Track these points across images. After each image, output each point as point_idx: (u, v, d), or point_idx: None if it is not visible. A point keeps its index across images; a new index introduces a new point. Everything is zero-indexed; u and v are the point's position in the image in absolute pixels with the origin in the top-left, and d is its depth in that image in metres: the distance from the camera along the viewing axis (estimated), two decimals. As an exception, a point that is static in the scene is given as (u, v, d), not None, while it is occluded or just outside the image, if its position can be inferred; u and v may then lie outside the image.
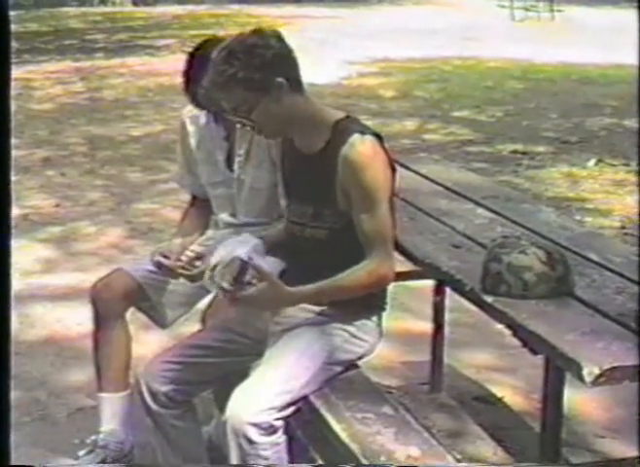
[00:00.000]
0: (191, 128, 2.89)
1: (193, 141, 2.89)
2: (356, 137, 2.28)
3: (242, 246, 2.33)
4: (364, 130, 2.32)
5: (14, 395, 3.43)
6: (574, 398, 2.70)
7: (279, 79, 2.26)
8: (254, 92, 2.25)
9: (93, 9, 19.63)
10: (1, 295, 1.51)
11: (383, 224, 2.30)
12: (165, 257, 2.75)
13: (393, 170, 2.37)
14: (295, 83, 2.30)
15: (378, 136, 2.34)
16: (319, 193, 2.34)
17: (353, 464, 2.14)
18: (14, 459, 2.85)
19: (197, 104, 2.72)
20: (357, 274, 2.30)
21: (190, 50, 2.77)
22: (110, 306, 2.83)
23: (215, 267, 2.31)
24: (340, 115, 2.37)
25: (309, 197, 2.37)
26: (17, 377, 3.46)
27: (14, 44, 14.15)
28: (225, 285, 2.27)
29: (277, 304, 2.34)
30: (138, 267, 2.89)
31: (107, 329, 2.84)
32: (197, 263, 2.60)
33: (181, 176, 3.03)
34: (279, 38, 2.30)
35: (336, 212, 2.32)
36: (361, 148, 2.27)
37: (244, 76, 2.22)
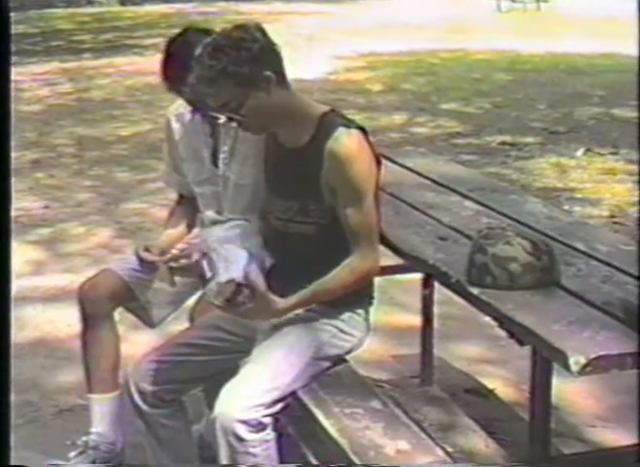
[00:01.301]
0: (176, 126, 2.88)
1: (178, 139, 2.88)
2: (341, 131, 2.27)
3: (238, 261, 2.29)
4: (349, 124, 2.31)
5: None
6: (564, 388, 2.70)
7: (267, 72, 2.25)
8: (243, 87, 2.24)
9: (81, 9, 19.57)
10: (1, 297, 1.51)
11: (368, 218, 2.30)
12: (149, 251, 2.75)
13: (378, 164, 2.37)
14: (281, 77, 2.30)
15: (363, 130, 2.34)
16: (304, 187, 2.33)
17: (345, 464, 2.14)
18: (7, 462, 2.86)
19: (179, 94, 2.70)
20: (342, 275, 2.30)
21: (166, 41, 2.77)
22: (97, 307, 2.82)
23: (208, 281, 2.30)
24: (325, 109, 2.36)
25: (294, 191, 2.36)
26: (7, 380, 3.46)
27: (-1, 46, 14.12)
28: (217, 303, 2.25)
29: (269, 316, 2.35)
30: (125, 266, 2.88)
31: (95, 329, 2.83)
32: (183, 260, 2.60)
33: (168, 175, 3.02)
34: (263, 32, 2.29)
35: (321, 207, 2.32)
36: (346, 142, 2.26)
37: (233, 70, 2.21)
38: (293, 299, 2.31)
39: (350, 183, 2.26)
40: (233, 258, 2.31)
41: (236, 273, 2.24)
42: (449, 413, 2.57)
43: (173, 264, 2.63)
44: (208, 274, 2.35)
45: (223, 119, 2.34)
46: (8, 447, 1.56)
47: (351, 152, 2.26)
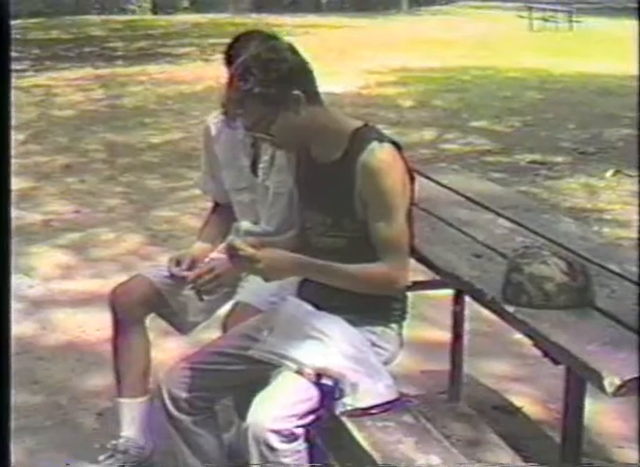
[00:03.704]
0: (215, 134, 2.91)
1: (218, 146, 2.91)
2: (375, 145, 2.29)
3: None
4: (382, 138, 2.33)
5: (36, 400, 3.48)
6: (592, 408, 2.69)
7: (296, 92, 2.27)
8: (272, 107, 2.26)
9: (114, 17, 19.77)
10: (1, 296, 1.52)
11: (399, 232, 2.31)
12: (179, 265, 2.79)
13: (412, 179, 2.38)
14: (312, 94, 2.32)
15: (396, 144, 2.36)
16: (337, 202, 2.35)
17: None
18: (38, 464, 2.90)
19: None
20: (368, 270, 2.32)
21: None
22: (129, 312, 2.85)
23: None
24: (358, 124, 2.38)
25: (327, 206, 2.39)
26: (39, 382, 3.50)
27: (35, 51, 14.31)
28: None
29: (284, 269, 2.33)
30: (158, 273, 2.91)
31: (126, 334, 2.86)
32: (206, 277, 2.63)
33: (204, 182, 3.05)
34: (294, 51, 2.32)
35: (354, 221, 2.34)
36: (380, 155, 2.28)
37: (261, 91, 2.24)
38: (309, 259, 2.32)
39: (382, 196, 2.28)
40: None
41: None
42: (477, 429, 2.57)
43: (200, 280, 2.67)
44: None
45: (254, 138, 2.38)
46: (8, 447, 1.57)
47: (384, 165, 2.28)
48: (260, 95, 2.24)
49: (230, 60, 2.68)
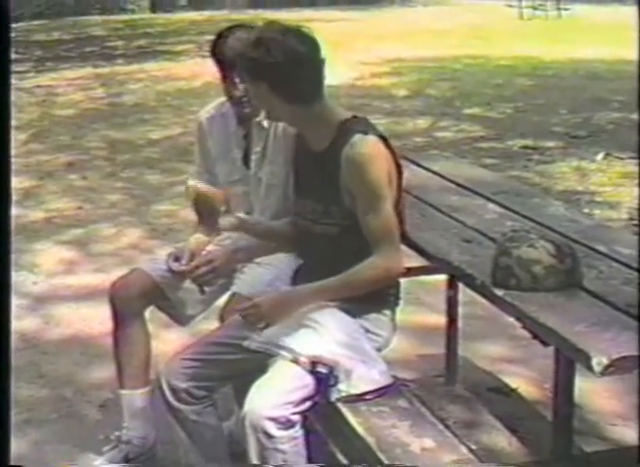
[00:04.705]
0: (207, 128, 2.95)
1: (211, 141, 2.95)
2: (358, 138, 2.32)
3: None
4: (367, 130, 2.36)
5: (42, 393, 3.54)
6: (585, 387, 2.74)
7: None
8: (277, 86, 2.32)
9: (114, 16, 19.78)
10: (1, 296, 1.55)
11: (387, 221, 2.34)
12: (178, 260, 2.83)
13: (399, 169, 2.42)
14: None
15: (382, 137, 2.39)
16: (326, 190, 2.39)
17: (372, 461, 2.19)
18: (43, 456, 2.95)
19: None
20: (364, 271, 2.35)
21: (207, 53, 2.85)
22: (128, 305, 2.88)
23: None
24: (347, 115, 2.42)
25: (318, 194, 2.43)
26: (43, 376, 3.55)
27: (38, 52, 14.35)
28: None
29: (287, 307, 2.39)
30: (156, 266, 2.94)
31: (126, 327, 2.90)
32: (204, 268, 2.67)
33: (199, 175, 3.08)
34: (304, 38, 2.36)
35: (342, 209, 2.38)
36: (361, 148, 2.31)
37: (268, 69, 2.29)
38: (307, 285, 2.37)
39: (366, 188, 2.32)
40: None
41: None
42: (473, 411, 2.60)
43: (198, 272, 2.71)
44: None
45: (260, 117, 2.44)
46: (8, 447, 1.61)
47: (366, 158, 2.31)
48: (267, 72, 2.29)
49: (215, 49, 2.75)
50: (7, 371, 1.60)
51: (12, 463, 1.61)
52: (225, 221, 2.52)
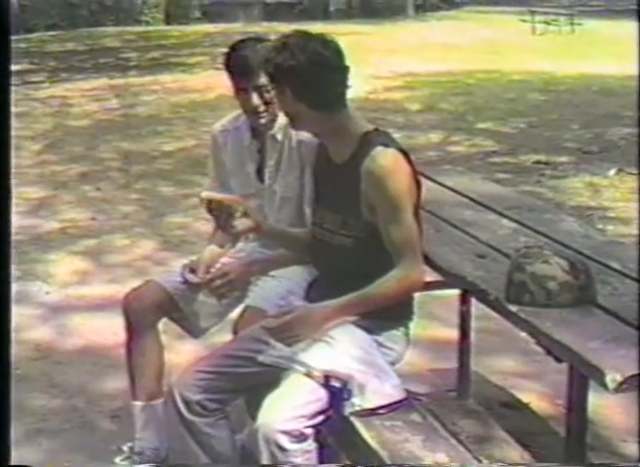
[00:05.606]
0: (222, 142, 2.97)
1: (225, 155, 2.97)
2: (378, 150, 2.34)
3: None
4: (388, 143, 2.37)
5: (54, 403, 3.55)
6: (598, 403, 2.73)
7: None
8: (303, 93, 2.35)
9: (129, 28, 19.89)
10: (1, 297, 1.56)
11: (409, 232, 2.35)
12: (193, 272, 2.84)
13: (418, 184, 2.43)
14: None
15: (404, 151, 2.40)
16: (346, 202, 2.41)
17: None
18: (56, 466, 2.95)
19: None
20: (387, 284, 2.35)
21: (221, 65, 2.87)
22: (141, 317, 2.89)
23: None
24: (369, 128, 2.43)
25: (337, 205, 2.44)
26: (56, 386, 3.57)
27: (52, 63, 14.44)
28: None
29: (314, 324, 2.37)
30: (169, 278, 2.95)
31: (139, 339, 2.90)
32: (219, 281, 2.69)
33: (213, 190, 3.10)
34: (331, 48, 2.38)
35: (360, 221, 2.39)
36: (382, 161, 2.33)
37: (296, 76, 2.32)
38: (336, 303, 2.36)
39: (387, 201, 2.32)
40: None
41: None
42: (485, 425, 2.60)
43: (213, 284, 2.72)
44: None
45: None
46: (8, 447, 1.62)
47: (386, 171, 2.32)
48: (295, 78, 2.30)
49: (229, 61, 2.77)
50: (7, 372, 1.62)
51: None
52: (241, 223, 2.52)
